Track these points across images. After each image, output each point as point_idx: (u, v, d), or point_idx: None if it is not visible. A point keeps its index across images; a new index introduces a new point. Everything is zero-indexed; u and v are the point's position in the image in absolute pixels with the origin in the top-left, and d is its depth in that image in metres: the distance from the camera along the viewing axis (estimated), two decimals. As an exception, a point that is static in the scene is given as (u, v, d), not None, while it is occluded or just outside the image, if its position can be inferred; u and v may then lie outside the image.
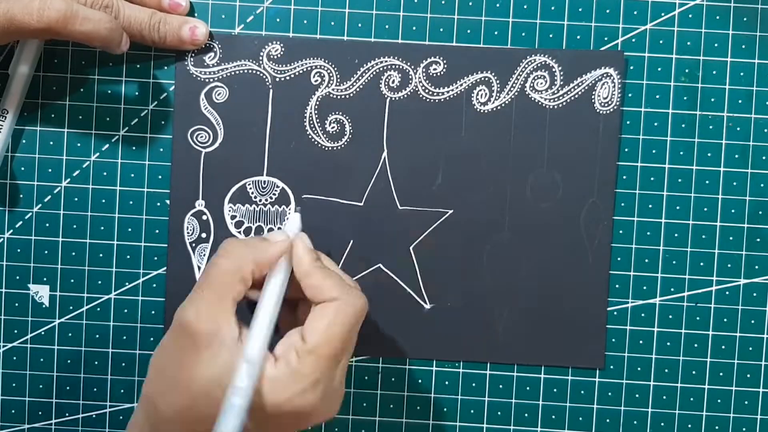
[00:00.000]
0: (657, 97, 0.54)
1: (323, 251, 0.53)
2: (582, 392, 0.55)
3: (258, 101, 0.53)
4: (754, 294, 0.54)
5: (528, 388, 0.55)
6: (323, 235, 0.53)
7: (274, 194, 0.54)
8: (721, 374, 0.54)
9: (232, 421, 0.39)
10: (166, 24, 0.51)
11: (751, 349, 0.54)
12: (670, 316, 0.54)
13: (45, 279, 0.54)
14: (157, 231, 0.54)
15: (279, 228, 0.53)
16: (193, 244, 0.54)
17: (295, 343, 0.43)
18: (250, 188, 0.54)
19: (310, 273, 0.44)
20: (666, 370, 0.54)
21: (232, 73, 0.53)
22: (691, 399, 0.55)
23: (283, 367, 0.42)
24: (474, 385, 0.55)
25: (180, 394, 0.42)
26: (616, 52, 0.53)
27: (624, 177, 0.54)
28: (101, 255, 0.54)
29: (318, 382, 0.42)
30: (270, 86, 0.53)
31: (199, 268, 0.54)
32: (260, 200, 0.54)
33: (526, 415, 0.55)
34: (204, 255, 0.54)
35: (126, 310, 0.54)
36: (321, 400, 0.42)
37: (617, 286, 0.54)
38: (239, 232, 0.54)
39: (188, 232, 0.54)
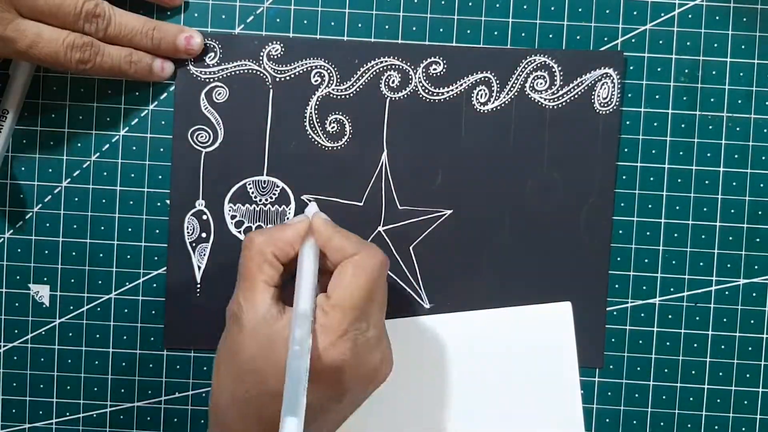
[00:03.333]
0: (657, 97, 0.54)
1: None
2: (581, 392, 0.55)
3: (258, 101, 0.53)
4: (754, 294, 0.54)
5: (528, 388, 0.55)
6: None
7: (274, 194, 0.54)
8: (720, 374, 0.54)
9: (296, 368, 0.40)
10: (159, 31, 0.51)
11: (750, 349, 0.54)
12: (670, 316, 0.54)
13: (45, 279, 0.54)
14: (157, 231, 0.54)
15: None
16: (193, 244, 0.54)
17: (321, 302, 0.44)
18: (250, 188, 0.54)
19: (331, 237, 0.46)
20: (665, 370, 0.54)
21: (233, 73, 0.53)
22: (691, 399, 0.55)
23: (312, 326, 0.43)
24: (474, 384, 0.55)
25: (233, 380, 0.44)
26: (616, 52, 0.53)
27: (624, 177, 0.54)
28: (101, 255, 0.54)
29: (346, 332, 0.43)
30: (270, 86, 0.53)
31: (199, 267, 0.54)
32: (260, 200, 0.54)
33: (525, 414, 0.55)
34: (204, 255, 0.54)
35: (126, 310, 0.54)
36: (353, 352, 0.43)
37: (617, 286, 0.54)
38: (239, 232, 0.54)
39: (188, 232, 0.54)
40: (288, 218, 0.54)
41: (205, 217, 0.54)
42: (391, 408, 0.54)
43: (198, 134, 0.53)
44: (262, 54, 0.53)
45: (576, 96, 0.53)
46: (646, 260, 0.54)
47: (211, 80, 0.53)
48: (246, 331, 0.44)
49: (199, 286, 0.54)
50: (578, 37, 0.53)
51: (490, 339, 0.54)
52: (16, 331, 0.54)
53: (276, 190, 0.54)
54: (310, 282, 0.44)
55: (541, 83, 0.53)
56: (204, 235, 0.54)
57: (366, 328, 0.44)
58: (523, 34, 0.53)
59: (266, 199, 0.54)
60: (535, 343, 0.54)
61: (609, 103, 0.53)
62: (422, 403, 0.54)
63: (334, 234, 0.46)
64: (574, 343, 0.54)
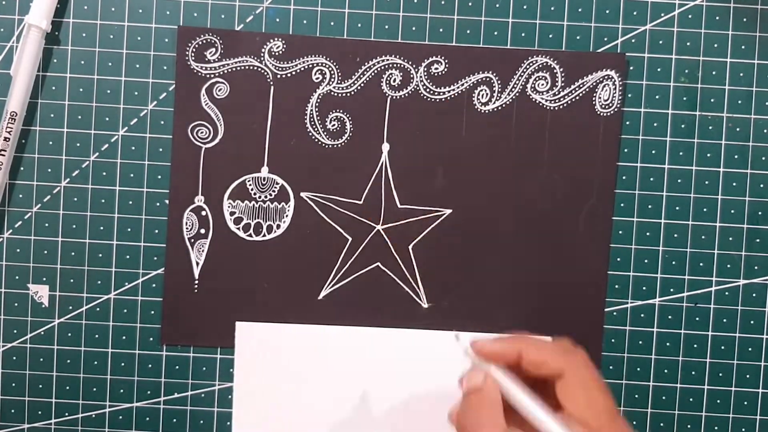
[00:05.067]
0: (657, 97, 0.54)
1: (322, 249, 0.53)
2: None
3: (259, 98, 0.53)
4: (754, 294, 0.54)
5: (528, 388, 0.55)
6: (322, 233, 0.54)
7: (274, 191, 0.54)
8: (720, 375, 0.54)
9: None
10: None
11: (750, 349, 0.54)
12: (670, 317, 0.54)
13: (44, 279, 0.54)
14: (156, 231, 0.54)
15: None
16: (192, 240, 0.54)
17: None
18: (250, 185, 0.54)
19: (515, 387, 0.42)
20: (665, 371, 0.54)
21: (234, 68, 0.53)
22: (691, 399, 0.55)
23: None
24: (474, 385, 0.55)
25: None
26: (618, 54, 0.53)
27: (624, 177, 0.54)
28: (101, 255, 0.54)
29: None
30: (271, 83, 0.53)
31: (197, 263, 0.54)
32: (259, 197, 0.54)
33: (526, 415, 0.55)
34: (202, 251, 0.54)
35: (125, 310, 0.54)
36: None
37: (617, 286, 0.54)
38: (238, 228, 0.54)
39: (187, 228, 0.54)
40: (287, 215, 0.54)
41: (204, 213, 0.54)
42: (380, 414, 0.54)
43: (198, 130, 0.53)
44: (263, 50, 0.53)
45: (577, 97, 0.53)
46: (646, 260, 0.54)
47: (212, 76, 0.53)
48: None
49: (196, 282, 0.54)
50: (578, 37, 0.53)
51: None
52: (15, 331, 0.54)
53: (275, 187, 0.54)
54: (553, 418, 0.41)
55: (542, 84, 0.53)
56: (203, 231, 0.54)
57: (625, 424, 0.42)
58: (523, 34, 0.54)
59: (266, 196, 0.54)
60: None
61: (610, 105, 0.53)
62: (407, 414, 0.54)
63: (526, 350, 0.42)
64: None
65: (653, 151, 0.54)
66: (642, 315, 0.54)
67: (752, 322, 0.54)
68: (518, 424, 0.42)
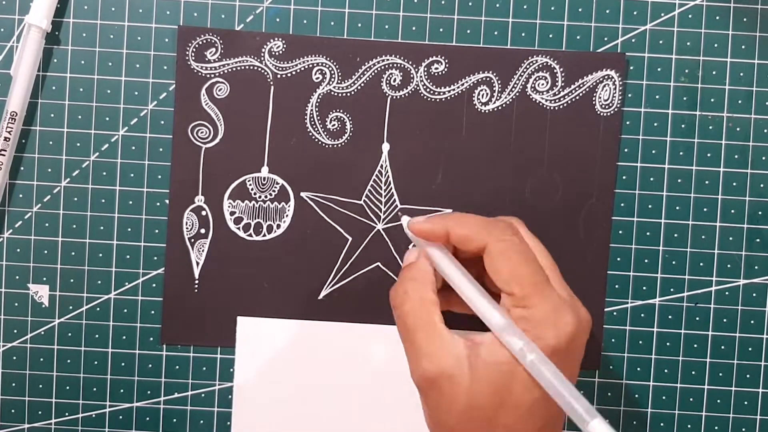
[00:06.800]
0: (657, 97, 0.54)
1: (323, 249, 0.53)
2: (581, 392, 0.54)
3: (259, 97, 0.53)
4: (754, 294, 0.54)
5: (528, 388, 0.55)
6: (322, 233, 0.54)
7: (274, 191, 0.54)
8: (720, 374, 0.54)
9: (553, 372, 0.40)
10: None
11: (750, 349, 0.54)
12: (670, 317, 0.54)
13: (45, 279, 0.54)
14: (156, 231, 0.54)
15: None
16: (192, 240, 0.54)
17: (507, 301, 0.42)
18: (250, 185, 0.54)
19: (449, 226, 0.44)
20: (665, 371, 0.54)
21: (234, 68, 0.53)
22: (691, 399, 0.55)
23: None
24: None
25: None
26: (618, 54, 0.53)
27: (624, 177, 0.54)
28: (101, 255, 0.54)
29: (554, 307, 0.42)
30: (271, 83, 0.53)
31: (197, 263, 0.54)
32: (260, 197, 0.54)
33: (526, 415, 0.55)
34: (202, 251, 0.54)
35: (125, 310, 0.54)
36: (569, 314, 0.42)
37: (617, 286, 0.54)
38: (238, 228, 0.54)
39: (187, 228, 0.54)
40: (287, 215, 0.54)
41: (204, 213, 0.54)
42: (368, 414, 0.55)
43: (198, 130, 0.53)
44: (263, 50, 0.53)
45: (577, 97, 0.53)
46: (646, 260, 0.54)
47: (212, 75, 0.53)
48: (460, 380, 0.42)
49: (197, 282, 0.54)
50: (578, 37, 0.53)
51: None
52: (15, 331, 0.54)
53: (276, 187, 0.54)
54: (478, 290, 0.43)
55: (542, 84, 0.53)
56: (203, 231, 0.54)
57: (554, 290, 0.43)
58: (523, 34, 0.53)
59: (266, 196, 0.54)
60: None
61: (610, 105, 0.53)
62: (409, 411, 0.54)
63: (450, 225, 0.44)
64: None
65: (653, 151, 0.54)
66: (642, 315, 0.54)
67: (752, 322, 0.54)
68: (462, 306, 0.45)
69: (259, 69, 0.53)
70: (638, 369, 0.54)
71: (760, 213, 0.54)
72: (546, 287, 0.42)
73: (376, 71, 0.53)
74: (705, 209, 0.54)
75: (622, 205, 0.54)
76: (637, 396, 0.55)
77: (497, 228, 0.44)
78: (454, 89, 0.53)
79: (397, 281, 0.46)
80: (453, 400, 0.42)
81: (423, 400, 0.44)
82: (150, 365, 0.54)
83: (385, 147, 0.53)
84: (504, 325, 0.41)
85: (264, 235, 0.54)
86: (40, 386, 0.54)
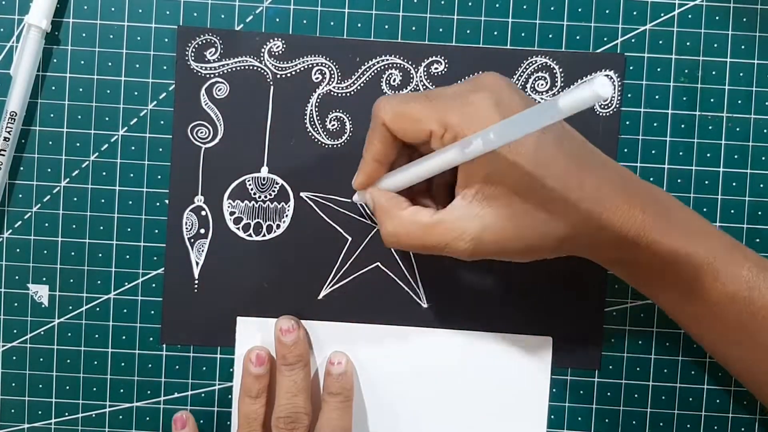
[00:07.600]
0: (656, 97, 0.54)
1: (322, 249, 0.53)
2: (581, 392, 0.55)
3: (258, 98, 0.53)
4: (754, 294, 0.54)
5: (528, 388, 0.55)
6: (322, 233, 0.53)
7: (274, 191, 0.54)
8: (720, 374, 0.54)
9: (502, 122, 0.40)
10: None
11: (750, 349, 0.54)
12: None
13: (44, 279, 0.54)
14: (156, 231, 0.54)
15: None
16: (192, 240, 0.54)
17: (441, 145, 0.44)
18: (250, 185, 0.54)
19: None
20: (665, 370, 0.54)
21: (233, 68, 0.53)
22: (691, 399, 0.55)
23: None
24: (474, 385, 0.55)
25: None
26: (617, 54, 0.53)
27: (623, 177, 0.54)
28: (100, 255, 0.54)
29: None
30: (271, 83, 0.53)
31: (197, 263, 0.54)
32: (259, 197, 0.54)
33: (525, 415, 0.55)
34: (202, 251, 0.54)
35: (125, 310, 0.54)
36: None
37: (616, 286, 0.54)
38: (238, 228, 0.54)
39: (187, 228, 0.54)
40: (287, 215, 0.54)
41: (203, 213, 0.54)
42: (368, 414, 0.55)
43: (198, 130, 0.53)
44: (263, 50, 0.53)
45: (576, 96, 0.53)
46: (646, 260, 0.54)
47: (212, 75, 0.53)
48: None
49: (196, 282, 0.54)
50: (578, 38, 0.53)
51: (467, 361, 0.54)
52: (15, 331, 0.54)
53: (275, 187, 0.54)
54: (423, 159, 0.45)
55: (542, 84, 0.53)
56: (203, 231, 0.54)
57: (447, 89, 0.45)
58: (522, 34, 0.53)
59: (265, 196, 0.54)
60: (510, 373, 0.54)
61: (609, 105, 0.53)
62: (391, 412, 0.55)
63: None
64: (548, 379, 0.54)
65: (653, 151, 0.54)
66: (642, 315, 0.54)
67: (752, 321, 0.54)
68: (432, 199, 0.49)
69: (259, 69, 0.53)
70: (638, 369, 0.55)
71: (759, 213, 0.54)
72: (446, 99, 0.44)
73: (375, 71, 0.53)
74: (705, 209, 0.54)
75: (622, 205, 0.54)
76: (637, 396, 0.55)
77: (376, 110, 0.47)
78: (453, 89, 0.53)
79: (380, 230, 0.47)
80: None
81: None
82: (150, 365, 0.54)
83: (385, 147, 0.53)
84: (457, 146, 0.42)
85: (264, 235, 0.54)
86: (40, 386, 0.54)
